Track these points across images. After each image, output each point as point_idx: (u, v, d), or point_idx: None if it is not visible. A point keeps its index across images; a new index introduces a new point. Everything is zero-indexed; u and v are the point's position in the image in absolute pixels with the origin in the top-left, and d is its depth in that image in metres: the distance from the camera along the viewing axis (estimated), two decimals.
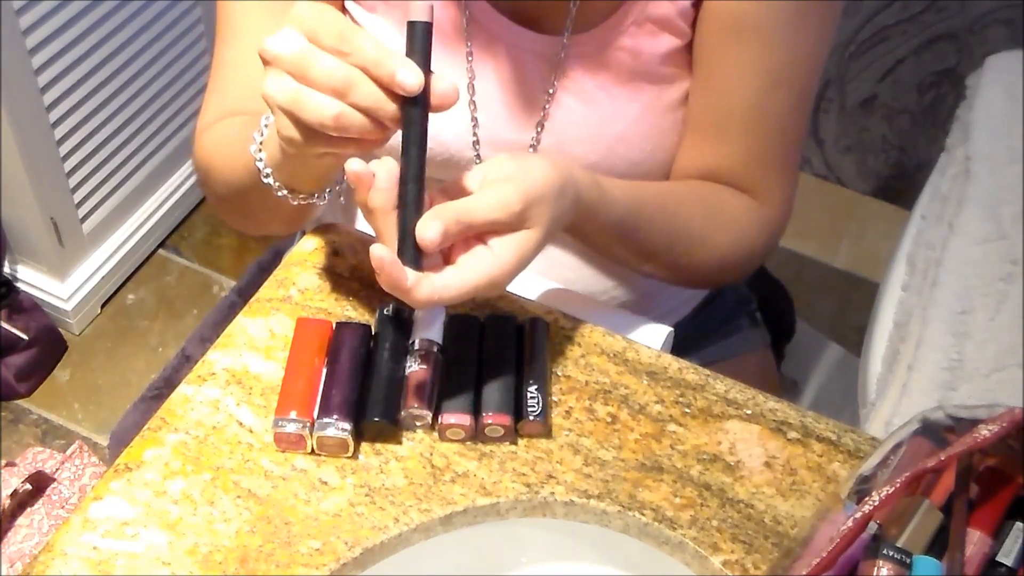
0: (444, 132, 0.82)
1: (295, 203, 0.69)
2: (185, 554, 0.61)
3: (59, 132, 1.52)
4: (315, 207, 0.72)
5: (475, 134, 0.82)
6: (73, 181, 1.59)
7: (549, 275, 0.79)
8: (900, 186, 2.00)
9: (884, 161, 1.99)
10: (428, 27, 0.58)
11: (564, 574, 0.68)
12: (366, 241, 0.78)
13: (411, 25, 0.58)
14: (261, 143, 0.68)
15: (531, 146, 0.82)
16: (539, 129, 0.81)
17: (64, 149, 1.55)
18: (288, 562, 0.61)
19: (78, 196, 1.62)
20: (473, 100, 0.81)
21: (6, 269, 1.65)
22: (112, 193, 1.69)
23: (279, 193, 0.68)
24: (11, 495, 1.43)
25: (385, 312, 0.71)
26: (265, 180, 0.68)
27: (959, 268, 1.04)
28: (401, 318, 0.71)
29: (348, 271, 0.76)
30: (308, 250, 0.77)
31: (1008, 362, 0.96)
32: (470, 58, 0.80)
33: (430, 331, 0.70)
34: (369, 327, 0.71)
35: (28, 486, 1.44)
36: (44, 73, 1.45)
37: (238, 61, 0.80)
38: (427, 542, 0.65)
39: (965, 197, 1.10)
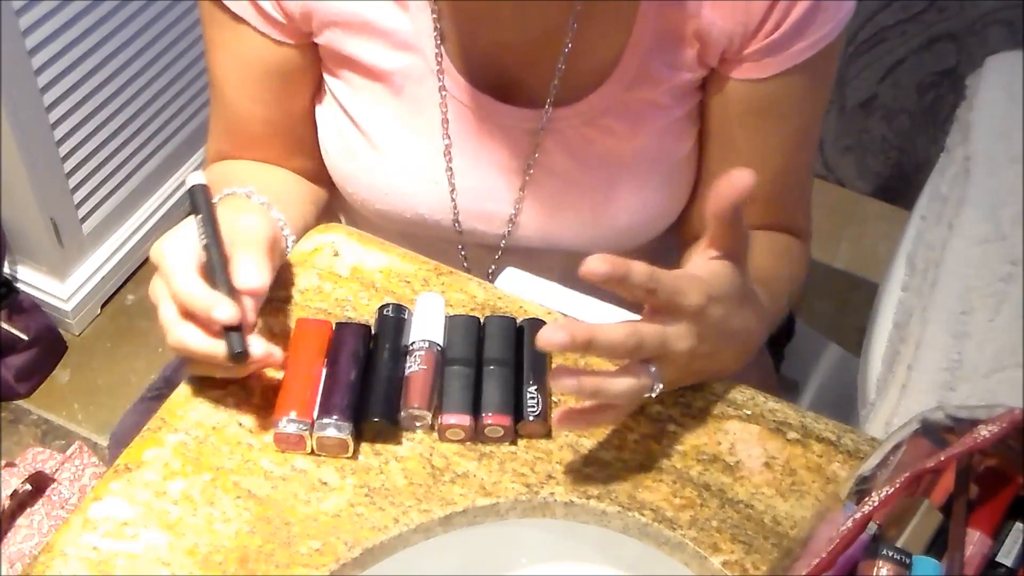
0: (423, 206, 0.82)
1: None
2: (185, 554, 0.61)
3: (59, 132, 1.52)
4: None
5: (453, 199, 0.82)
6: (73, 181, 1.59)
7: (549, 275, 0.79)
8: (900, 186, 2.00)
9: (884, 161, 1.99)
10: (204, 188, 0.67)
11: (564, 574, 0.68)
12: (366, 241, 0.78)
13: (190, 191, 0.67)
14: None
15: (511, 217, 0.82)
16: (519, 203, 0.81)
17: (64, 149, 1.55)
18: (288, 562, 0.61)
19: (78, 196, 1.62)
20: (450, 167, 0.81)
21: (6, 269, 1.64)
22: (112, 193, 1.69)
23: None
24: (11, 495, 1.43)
25: (385, 312, 0.71)
26: None
27: (959, 268, 1.04)
28: (401, 318, 0.71)
29: (348, 271, 0.76)
30: (308, 250, 0.77)
31: (1008, 362, 0.96)
32: (446, 125, 0.79)
33: (430, 331, 0.70)
34: (369, 327, 0.71)
35: (28, 486, 1.44)
36: (44, 73, 1.45)
37: (225, 117, 0.85)
38: (427, 542, 0.65)
39: (965, 197, 1.10)
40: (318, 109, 0.84)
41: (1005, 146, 1.15)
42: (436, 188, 0.81)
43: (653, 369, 0.62)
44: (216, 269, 0.63)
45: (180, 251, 0.63)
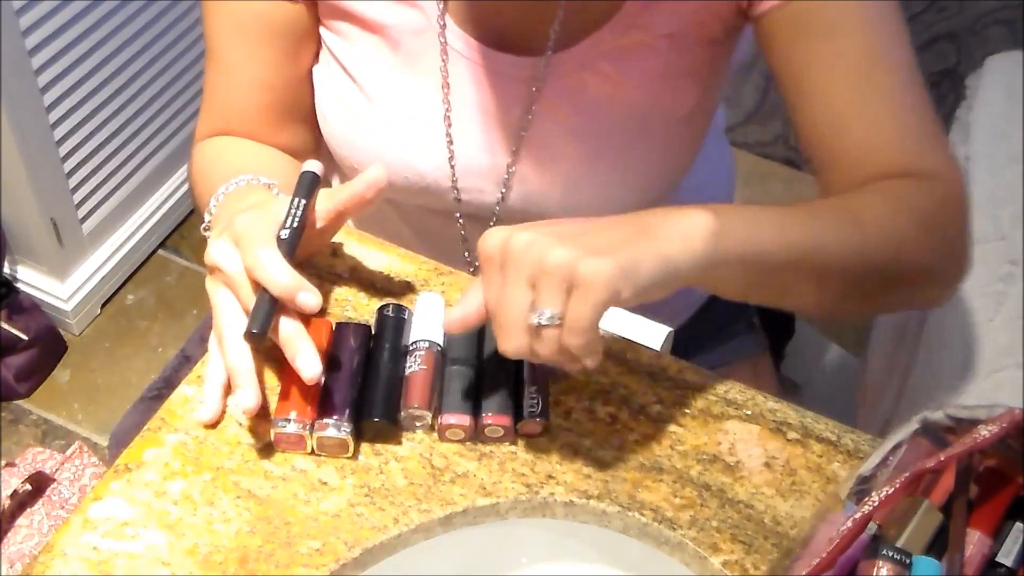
0: (420, 163, 0.82)
1: None
2: (185, 554, 0.61)
3: (59, 132, 1.52)
4: None
5: (450, 150, 0.82)
6: (73, 181, 1.59)
7: None
8: None
9: None
10: (316, 177, 0.70)
11: (564, 574, 0.68)
12: (366, 241, 0.78)
13: (302, 174, 0.70)
14: (209, 222, 0.74)
15: (508, 168, 0.82)
16: (515, 153, 0.81)
17: (64, 149, 1.55)
18: (288, 562, 0.61)
19: (78, 196, 1.62)
20: (449, 132, 0.81)
21: (6, 269, 1.65)
22: (112, 193, 1.69)
23: None
24: (11, 495, 1.43)
25: (385, 312, 0.71)
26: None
27: None
28: (401, 318, 0.71)
29: (348, 271, 0.76)
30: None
31: (1008, 362, 0.96)
32: (446, 88, 0.79)
33: (430, 331, 0.70)
34: (369, 327, 0.71)
35: (28, 486, 1.44)
36: (44, 73, 1.45)
37: (222, 86, 0.84)
38: (427, 542, 0.65)
39: None
40: (315, 70, 0.84)
41: (1005, 146, 1.15)
42: (433, 141, 0.81)
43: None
44: (289, 251, 0.66)
45: (264, 229, 0.66)
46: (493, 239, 0.60)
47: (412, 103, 0.81)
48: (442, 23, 0.77)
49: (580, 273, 0.57)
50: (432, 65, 0.79)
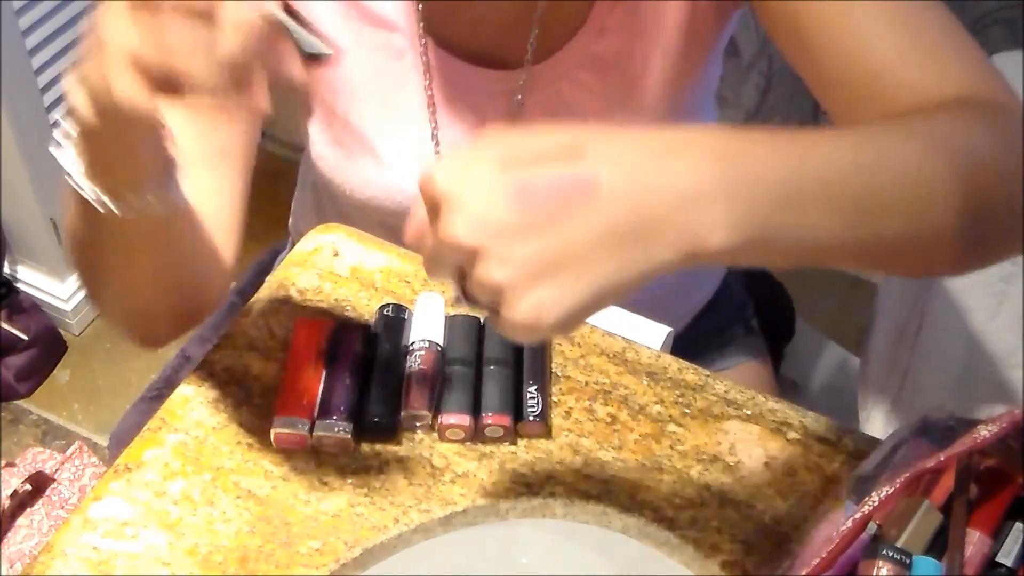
0: (411, 185, 0.81)
1: (125, 214, 0.58)
2: (185, 554, 0.61)
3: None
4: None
5: None
6: None
7: None
8: None
9: None
10: None
11: (564, 574, 0.68)
12: (366, 241, 0.78)
13: None
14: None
15: None
16: None
17: None
18: (288, 562, 0.61)
19: None
20: (437, 151, 0.81)
21: (6, 269, 1.64)
22: None
23: (100, 205, 0.57)
24: (11, 495, 1.43)
25: (385, 312, 0.71)
26: (78, 183, 0.57)
27: None
28: (401, 318, 0.71)
29: (348, 271, 0.76)
30: (308, 250, 0.77)
31: (1008, 362, 0.96)
32: (431, 107, 0.79)
33: (430, 331, 0.70)
34: (369, 327, 0.71)
35: (28, 486, 1.44)
36: (44, 73, 1.45)
37: None
38: (427, 542, 0.65)
39: None
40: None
41: None
42: (422, 162, 0.81)
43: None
44: None
45: None
46: (435, 188, 0.47)
47: (398, 127, 0.80)
48: (423, 42, 0.77)
49: (514, 315, 0.46)
50: (415, 86, 0.79)
